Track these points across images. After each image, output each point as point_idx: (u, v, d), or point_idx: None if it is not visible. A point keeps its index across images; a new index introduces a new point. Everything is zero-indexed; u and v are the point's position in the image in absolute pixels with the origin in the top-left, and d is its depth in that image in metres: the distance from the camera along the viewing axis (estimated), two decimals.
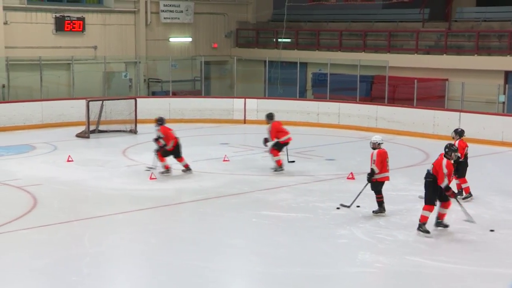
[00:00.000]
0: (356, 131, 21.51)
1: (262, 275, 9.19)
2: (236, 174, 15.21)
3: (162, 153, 14.92)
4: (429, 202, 10.73)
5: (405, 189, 13.93)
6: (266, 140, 15.17)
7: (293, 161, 16.20)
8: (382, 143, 11.89)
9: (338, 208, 12.18)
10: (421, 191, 13.52)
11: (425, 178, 10.87)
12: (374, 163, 11.62)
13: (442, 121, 20.18)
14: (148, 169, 15.05)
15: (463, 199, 12.71)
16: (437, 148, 16.57)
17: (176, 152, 14.93)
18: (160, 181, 14.38)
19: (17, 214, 11.70)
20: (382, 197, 11.88)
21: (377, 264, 9.50)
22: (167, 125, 15.33)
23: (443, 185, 10.61)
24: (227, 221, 11.75)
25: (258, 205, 12.56)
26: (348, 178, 14.56)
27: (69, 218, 11.64)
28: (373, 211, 11.91)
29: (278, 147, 15.17)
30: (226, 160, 16.39)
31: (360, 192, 12.19)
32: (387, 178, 11.90)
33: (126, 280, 9.12)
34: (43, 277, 9.08)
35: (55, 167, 15.81)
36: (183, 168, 15.06)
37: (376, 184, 11.84)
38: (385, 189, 13.80)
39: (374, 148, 11.78)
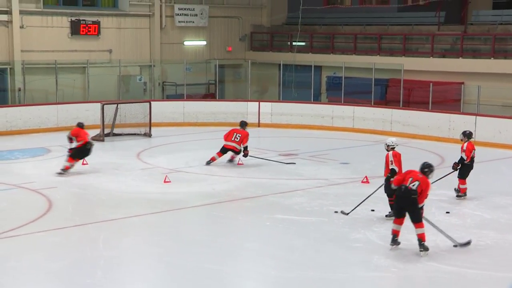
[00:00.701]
0: (371, 135, 21.42)
1: (276, 279, 9.16)
2: (250, 177, 15.20)
3: (72, 154, 15.22)
4: (421, 219, 10.01)
5: None
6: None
7: (294, 163, 16.65)
8: (396, 146, 11.97)
9: (336, 212, 12.16)
10: (436, 195, 13.49)
11: (411, 195, 9.90)
12: (392, 164, 11.64)
13: (458, 125, 20.01)
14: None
15: (457, 197, 13.05)
16: (453, 152, 16.49)
17: (82, 153, 15.29)
18: (174, 184, 14.40)
19: (32, 217, 11.76)
20: (393, 200, 11.82)
21: (392, 269, 9.44)
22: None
23: (422, 204, 10.05)
24: (241, 224, 11.74)
25: (272, 208, 12.53)
26: (362, 182, 14.49)
27: (83, 221, 11.68)
28: (386, 215, 11.88)
29: (222, 150, 16.29)
30: (240, 164, 16.38)
31: (369, 196, 12.19)
32: None
33: (140, 283, 9.12)
34: (58, 280, 9.12)
35: (70, 170, 15.86)
36: (63, 168, 15.16)
37: (390, 187, 11.79)
38: None
39: (388, 150, 11.85)
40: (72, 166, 15.31)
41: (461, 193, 13.21)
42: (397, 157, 11.76)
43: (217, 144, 19.98)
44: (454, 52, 23.50)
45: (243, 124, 16.59)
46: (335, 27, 27.67)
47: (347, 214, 12.01)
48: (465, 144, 13.04)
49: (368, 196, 12.20)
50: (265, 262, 9.77)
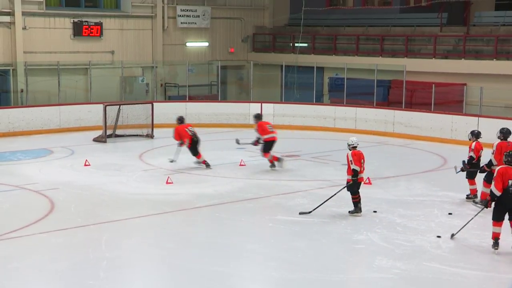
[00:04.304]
0: (373, 136, 21.41)
1: (279, 280, 9.16)
2: (252, 178, 15.20)
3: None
4: None
5: (423, 194, 13.85)
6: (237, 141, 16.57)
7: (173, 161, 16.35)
8: (356, 145, 12.17)
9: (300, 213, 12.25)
10: (439, 197, 13.50)
11: None
12: (353, 163, 11.84)
13: (460, 126, 20.03)
14: None
15: (467, 198, 13.06)
16: (455, 153, 16.50)
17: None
18: (176, 185, 14.40)
19: (34, 218, 11.77)
20: (357, 198, 12.08)
21: (395, 270, 9.42)
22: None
23: None
24: (244, 225, 11.74)
25: (274, 210, 12.53)
26: (364, 183, 14.42)
27: (86, 222, 11.69)
28: (349, 211, 12.09)
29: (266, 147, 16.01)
30: (243, 165, 16.38)
31: (332, 196, 12.37)
32: (363, 179, 12.18)
33: (143, 284, 9.13)
34: (60, 281, 9.12)
35: (72, 171, 15.90)
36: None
37: (352, 185, 11.99)
38: (402, 194, 13.80)
39: (350, 150, 12.07)
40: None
41: (471, 194, 13.11)
42: (357, 157, 11.91)
43: (220, 145, 20.01)
44: (456, 53, 23.49)
45: (260, 116, 16.38)
46: (337, 28, 27.66)
47: (309, 212, 12.15)
48: (474, 144, 12.98)
49: (331, 196, 12.39)
50: (267, 264, 9.77)
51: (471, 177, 13.09)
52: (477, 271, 9.44)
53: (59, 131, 21.73)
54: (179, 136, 15.96)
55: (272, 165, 15.95)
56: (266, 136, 15.84)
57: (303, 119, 23.36)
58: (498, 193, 10.04)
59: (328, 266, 9.62)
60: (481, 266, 9.67)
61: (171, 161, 16.20)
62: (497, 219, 10.18)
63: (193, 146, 15.96)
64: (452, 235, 10.79)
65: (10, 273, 9.29)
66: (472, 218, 11.00)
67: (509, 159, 10.27)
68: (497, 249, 10.17)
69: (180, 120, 16.28)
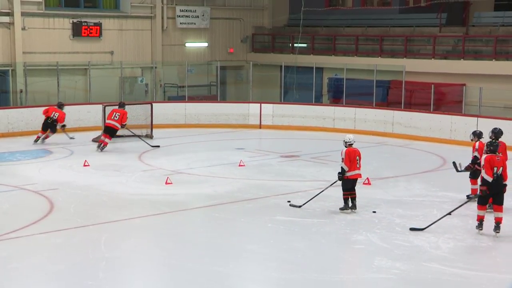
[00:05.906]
0: (373, 136, 21.42)
1: (278, 281, 9.16)
2: (251, 179, 15.20)
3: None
4: None
5: (422, 194, 13.85)
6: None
7: (158, 146, 18.95)
8: (352, 143, 12.29)
9: (288, 202, 12.81)
10: (438, 197, 13.51)
11: (503, 181, 10.95)
12: (342, 161, 12.05)
13: (460, 127, 20.04)
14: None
15: (467, 196, 13.04)
16: (455, 153, 16.50)
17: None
18: (176, 186, 14.40)
19: (34, 219, 11.77)
20: (348, 195, 12.21)
21: (394, 270, 9.42)
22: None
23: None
24: (243, 226, 11.74)
25: (273, 210, 12.53)
26: (364, 183, 14.46)
27: (85, 222, 11.68)
28: (340, 208, 12.24)
29: (106, 130, 18.55)
30: (242, 165, 16.38)
31: (320, 192, 12.62)
32: (358, 176, 12.30)
33: (142, 284, 9.13)
34: (59, 281, 9.12)
35: (71, 171, 15.89)
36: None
37: (346, 182, 12.14)
38: (402, 194, 13.80)
39: (346, 147, 12.25)
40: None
41: (471, 194, 13.08)
42: (350, 155, 12.06)
43: (219, 145, 20.05)
44: (455, 53, 23.50)
45: (122, 105, 18.68)
46: (337, 28, 27.67)
47: (300, 206, 12.43)
48: (477, 144, 12.96)
49: (322, 191, 12.68)
50: (267, 264, 9.77)
51: (474, 177, 13.04)
52: (477, 271, 9.45)
53: (58, 131, 21.66)
54: (45, 112, 19.41)
55: (99, 146, 18.23)
56: (107, 121, 18.41)
57: (302, 120, 23.38)
58: (490, 179, 10.77)
59: (327, 266, 9.63)
60: (481, 266, 9.68)
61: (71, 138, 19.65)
62: (482, 203, 11.02)
63: (44, 123, 19.45)
64: (413, 228, 11.20)
65: (10, 273, 9.29)
66: (454, 210, 11.44)
67: (491, 148, 11.05)
68: (481, 229, 10.99)
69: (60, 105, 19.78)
